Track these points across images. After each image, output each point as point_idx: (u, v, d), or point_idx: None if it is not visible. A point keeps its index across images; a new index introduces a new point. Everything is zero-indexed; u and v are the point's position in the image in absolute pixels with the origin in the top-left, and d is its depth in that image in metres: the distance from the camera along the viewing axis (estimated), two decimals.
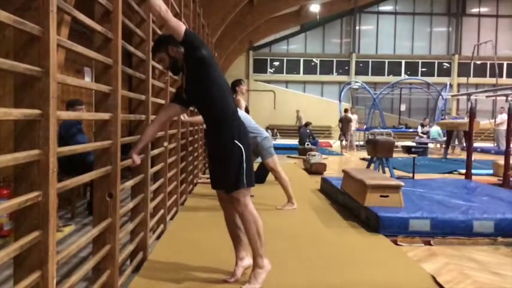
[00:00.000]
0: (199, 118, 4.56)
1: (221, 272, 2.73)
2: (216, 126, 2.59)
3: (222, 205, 2.77)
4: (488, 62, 23.35)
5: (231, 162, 2.53)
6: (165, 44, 2.59)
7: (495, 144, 14.16)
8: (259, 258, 2.57)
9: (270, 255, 2.72)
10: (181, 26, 2.47)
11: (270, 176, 5.13)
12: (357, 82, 20.50)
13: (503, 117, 13.59)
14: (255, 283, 2.53)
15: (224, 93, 2.61)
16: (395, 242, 3.61)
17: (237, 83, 4.98)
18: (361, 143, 15.19)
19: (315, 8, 20.75)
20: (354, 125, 14.50)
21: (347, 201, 4.78)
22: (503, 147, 13.94)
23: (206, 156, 2.82)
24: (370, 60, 25.31)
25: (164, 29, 3.76)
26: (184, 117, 4.66)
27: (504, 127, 13.45)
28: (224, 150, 2.55)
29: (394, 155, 7.38)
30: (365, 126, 15.55)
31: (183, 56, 2.58)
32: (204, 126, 3.45)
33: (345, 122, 14.57)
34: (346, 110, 15.29)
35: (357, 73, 24.77)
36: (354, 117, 14.62)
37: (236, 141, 2.53)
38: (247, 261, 2.71)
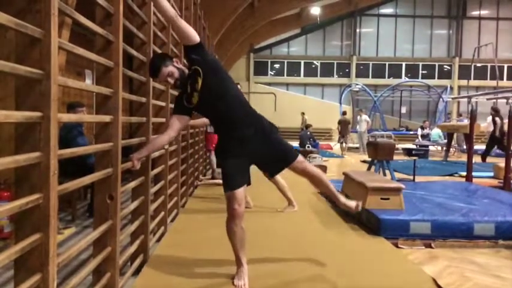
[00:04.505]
0: (200, 121, 4.52)
1: (222, 274, 2.73)
2: (251, 120, 2.69)
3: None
4: (489, 65, 23.34)
5: (281, 138, 2.85)
6: (169, 58, 2.60)
7: (496, 147, 14.15)
8: None
9: (271, 257, 2.72)
10: (193, 30, 2.50)
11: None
12: (357, 84, 20.52)
13: (488, 119, 13.68)
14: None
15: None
16: (396, 245, 3.61)
17: None
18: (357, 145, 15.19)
19: (315, 11, 20.77)
20: (364, 126, 14.45)
21: None
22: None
23: (244, 162, 2.65)
24: (371, 62, 25.29)
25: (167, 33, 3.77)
26: None
27: (489, 129, 13.55)
28: (272, 133, 2.77)
29: (395, 157, 7.38)
30: None
31: (191, 63, 2.56)
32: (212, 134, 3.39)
33: (343, 124, 14.56)
34: (344, 113, 15.29)
35: (357, 75, 24.75)
36: (363, 117, 14.59)
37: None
38: None
